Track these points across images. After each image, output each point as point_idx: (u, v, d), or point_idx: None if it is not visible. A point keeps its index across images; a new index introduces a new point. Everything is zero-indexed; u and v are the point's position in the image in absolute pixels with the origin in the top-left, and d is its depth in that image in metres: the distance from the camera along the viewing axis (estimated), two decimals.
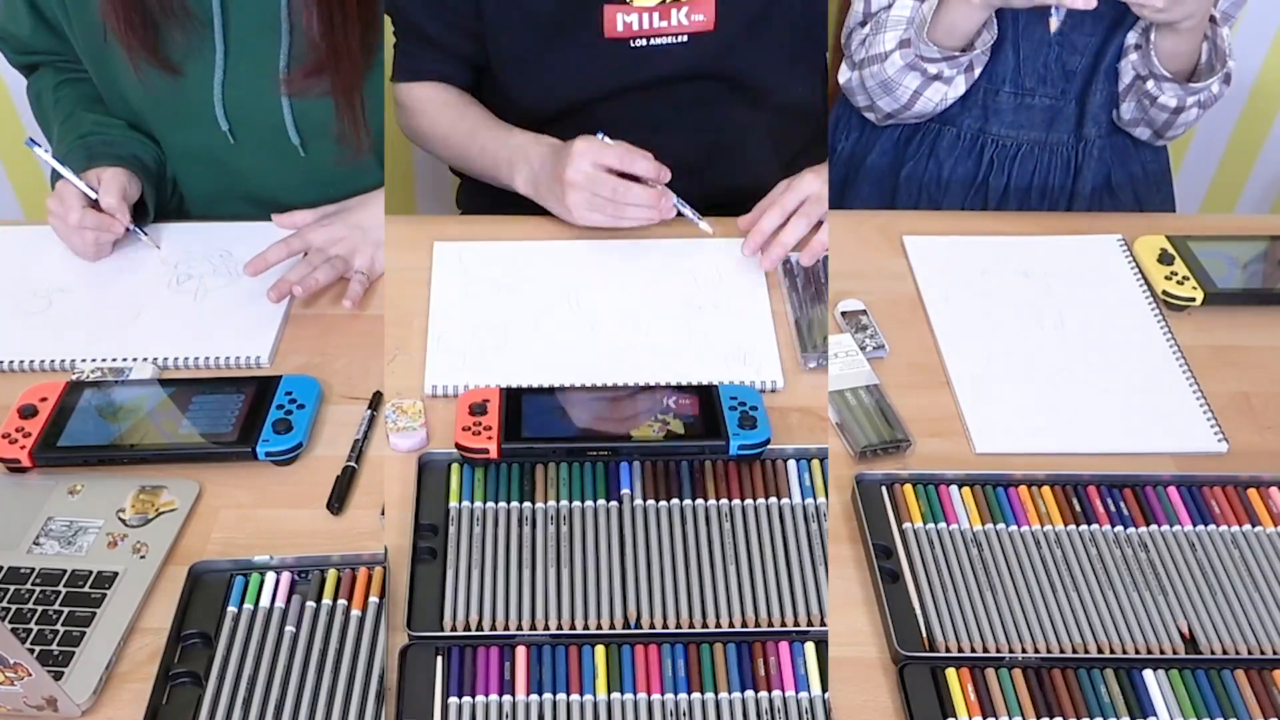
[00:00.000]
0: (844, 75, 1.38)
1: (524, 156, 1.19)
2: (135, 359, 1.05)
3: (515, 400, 0.98)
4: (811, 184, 1.14)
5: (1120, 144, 1.41)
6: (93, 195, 1.13)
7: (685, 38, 1.23)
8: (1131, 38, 1.30)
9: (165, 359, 1.05)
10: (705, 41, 1.23)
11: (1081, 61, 1.33)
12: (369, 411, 1.01)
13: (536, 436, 0.95)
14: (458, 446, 0.94)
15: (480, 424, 0.95)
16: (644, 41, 1.23)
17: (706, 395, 0.99)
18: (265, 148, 1.21)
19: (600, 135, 1.12)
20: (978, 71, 1.31)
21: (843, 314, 1.11)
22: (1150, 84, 1.29)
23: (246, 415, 0.97)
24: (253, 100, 1.18)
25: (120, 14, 1.10)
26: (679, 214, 1.15)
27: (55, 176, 1.19)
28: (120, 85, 1.20)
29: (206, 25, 1.13)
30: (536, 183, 1.18)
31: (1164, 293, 1.14)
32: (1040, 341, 1.10)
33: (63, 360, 1.05)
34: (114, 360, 1.05)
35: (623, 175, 1.12)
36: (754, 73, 1.28)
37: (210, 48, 1.14)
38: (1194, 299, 1.13)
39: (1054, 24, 1.19)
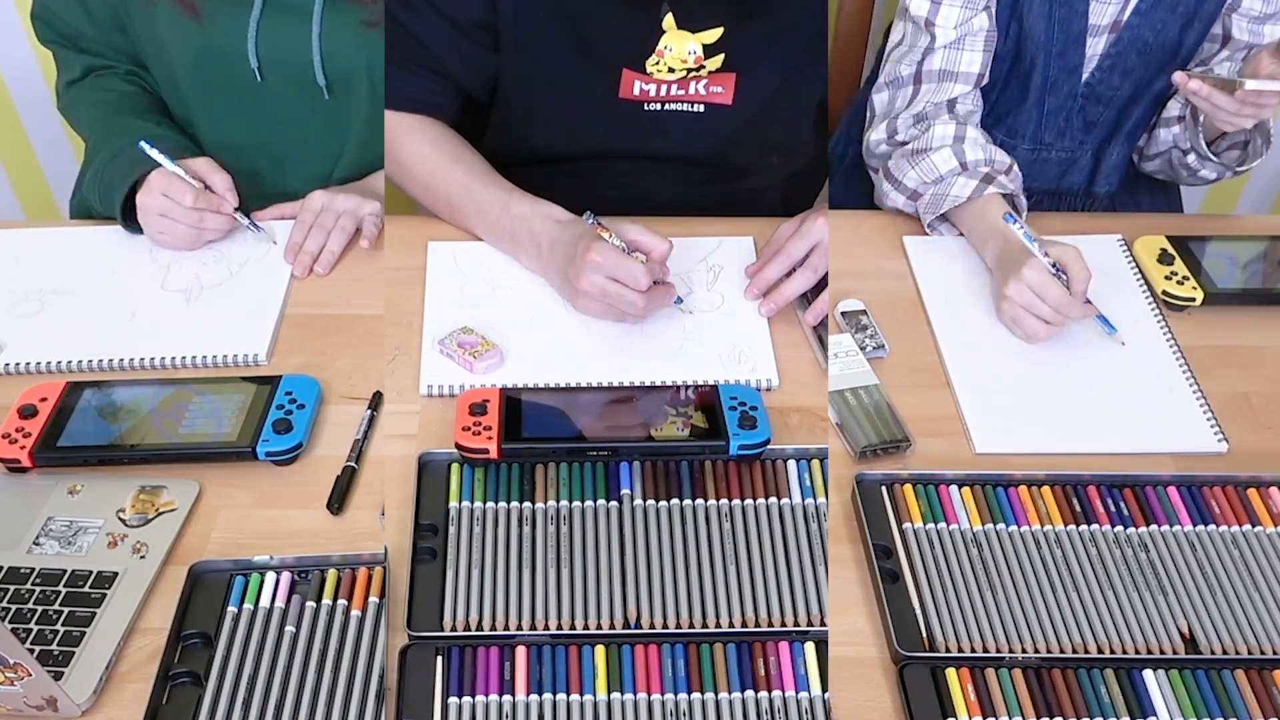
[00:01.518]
0: (876, 136, 1.30)
1: (530, 236, 1.14)
2: (132, 360, 1.05)
3: (515, 400, 0.98)
4: (821, 230, 1.11)
5: (1129, 187, 1.41)
6: (193, 183, 1.14)
7: (702, 108, 1.22)
8: (1174, 108, 1.28)
9: (162, 359, 1.05)
10: (722, 114, 1.22)
11: (1104, 114, 1.32)
12: (369, 411, 1.01)
13: (536, 436, 0.95)
14: (458, 446, 0.94)
15: (480, 424, 0.94)
16: (659, 106, 1.22)
17: (707, 395, 0.99)
18: (292, 93, 1.23)
19: (589, 217, 1.09)
20: None
21: (843, 314, 1.11)
22: (1191, 158, 1.27)
23: (246, 415, 0.97)
24: (284, 41, 1.19)
25: None
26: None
27: (79, 197, 1.19)
28: (158, 34, 1.21)
29: None
30: (545, 267, 1.14)
31: (1164, 293, 1.14)
32: (1040, 341, 1.10)
33: (58, 362, 1.04)
34: (110, 361, 1.05)
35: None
36: (766, 147, 1.28)
37: None
38: (1194, 299, 1.13)
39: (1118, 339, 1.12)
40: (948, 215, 1.22)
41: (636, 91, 1.20)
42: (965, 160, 1.20)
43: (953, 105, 1.25)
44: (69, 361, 1.04)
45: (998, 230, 1.14)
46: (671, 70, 1.18)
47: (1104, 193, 1.39)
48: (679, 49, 1.17)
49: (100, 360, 1.05)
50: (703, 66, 1.18)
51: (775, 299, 1.11)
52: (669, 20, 1.15)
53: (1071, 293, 1.07)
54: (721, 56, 1.18)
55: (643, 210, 1.28)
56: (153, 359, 1.05)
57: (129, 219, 1.16)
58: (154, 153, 1.13)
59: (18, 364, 1.04)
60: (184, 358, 1.05)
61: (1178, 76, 1.14)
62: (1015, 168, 1.22)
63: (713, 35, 1.16)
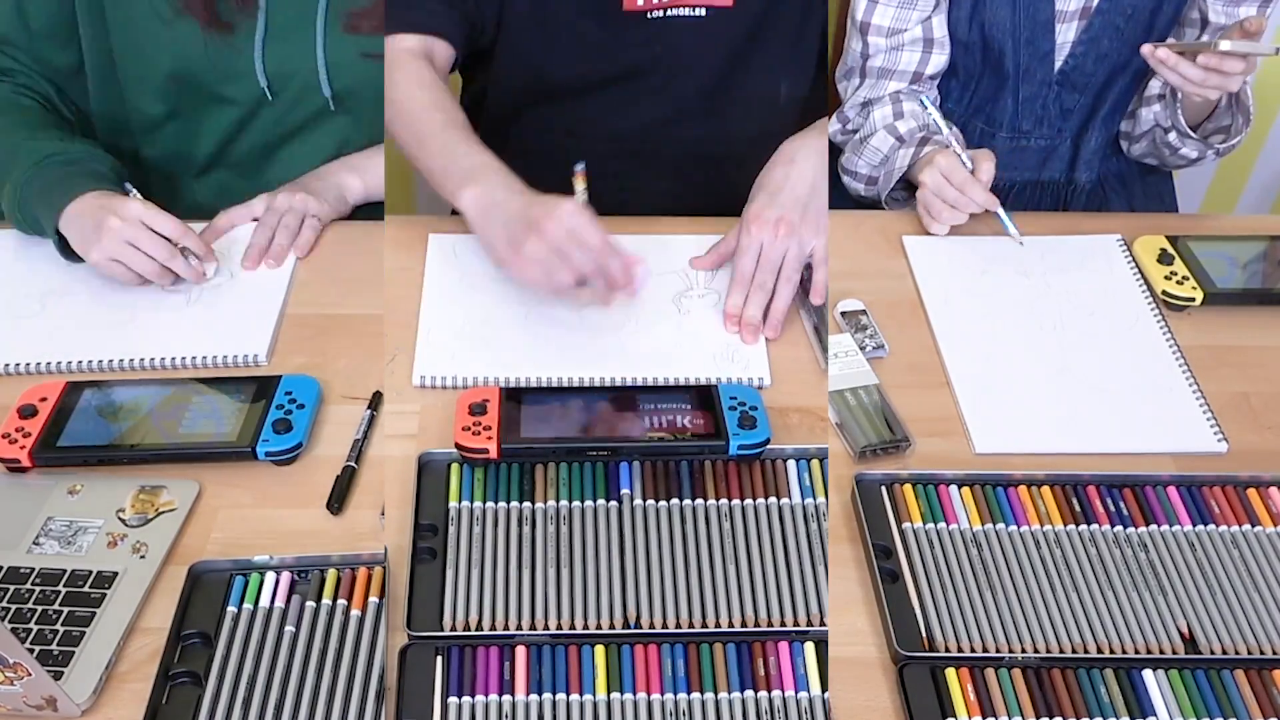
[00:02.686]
0: (833, 127, 1.38)
1: (485, 176, 1.09)
2: (132, 360, 1.05)
3: (515, 400, 0.98)
4: (758, 233, 1.08)
5: (1117, 168, 1.41)
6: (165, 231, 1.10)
7: (703, 11, 1.23)
8: (1155, 87, 1.30)
9: (162, 359, 1.05)
10: (723, 18, 1.23)
11: (1080, 100, 1.33)
12: (369, 411, 1.00)
13: (536, 436, 0.95)
14: (457, 446, 0.94)
15: (480, 424, 0.94)
16: (661, 12, 1.22)
17: (706, 395, 0.99)
18: (297, 108, 1.23)
19: (580, 167, 1.08)
20: None
21: (843, 314, 1.11)
22: (1172, 136, 1.28)
23: (246, 415, 0.97)
24: (290, 57, 1.19)
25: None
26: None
27: (21, 208, 1.14)
28: (151, 58, 1.21)
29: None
30: (487, 210, 1.08)
31: (1164, 293, 1.14)
32: (1040, 341, 1.10)
33: (58, 363, 1.04)
34: (110, 362, 1.04)
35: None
36: (765, 56, 1.28)
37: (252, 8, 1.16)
38: (1194, 299, 1.13)
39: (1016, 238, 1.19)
40: (902, 190, 1.28)
41: (639, 2, 1.21)
42: (900, 134, 1.29)
43: (896, 95, 1.33)
44: (69, 362, 1.04)
45: (932, 162, 1.21)
46: None
47: (1085, 180, 1.39)
48: None
49: (100, 360, 1.04)
50: None
51: (747, 331, 1.08)
52: None
53: (976, 177, 1.16)
54: None
55: (647, 172, 1.28)
56: (153, 359, 1.05)
57: (62, 239, 1.12)
58: (134, 193, 1.12)
59: (18, 364, 1.04)
60: (184, 358, 1.05)
61: (1145, 48, 1.15)
62: (956, 129, 1.28)
63: None
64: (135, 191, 1.14)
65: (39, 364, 1.04)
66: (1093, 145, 1.37)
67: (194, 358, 1.05)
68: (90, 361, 1.04)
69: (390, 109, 1.20)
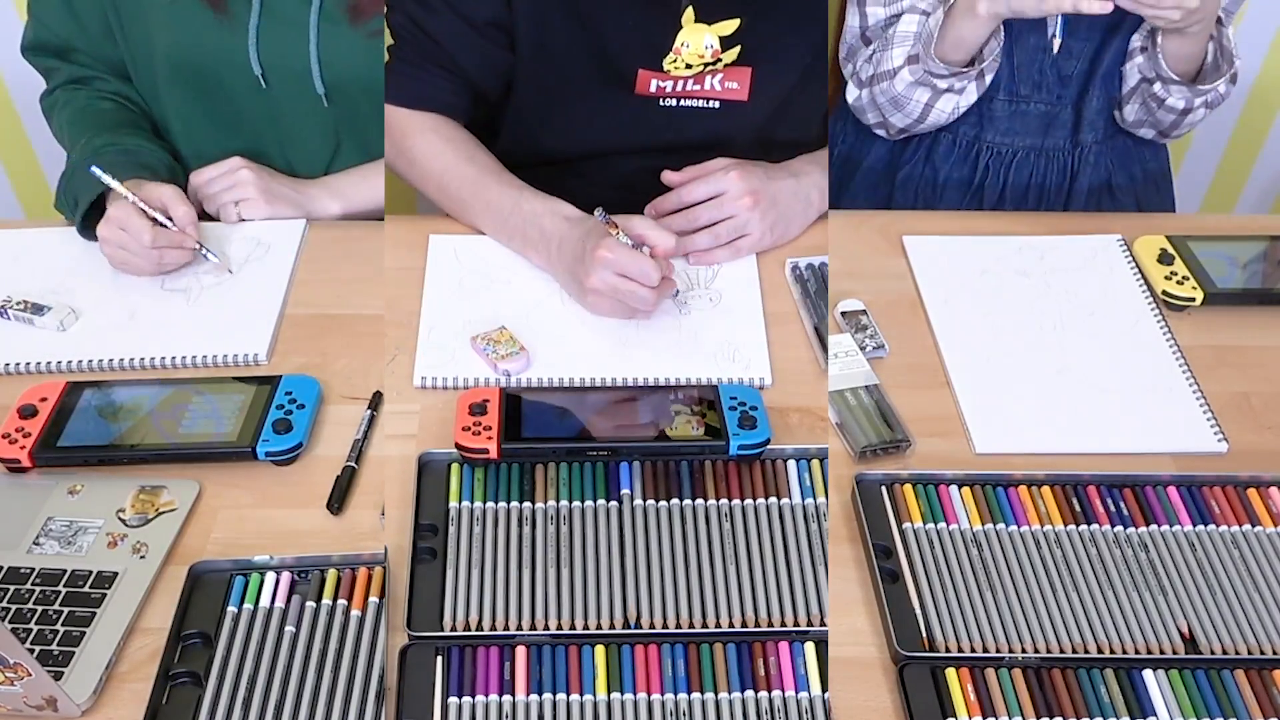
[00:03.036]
0: (852, 94, 1.37)
1: (541, 234, 1.13)
2: (132, 360, 1.05)
3: (515, 400, 0.98)
4: (723, 182, 1.14)
5: (1119, 146, 1.41)
6: (151, 212, 1.11)
7: (717, 104, 1.22)
8: (1136, 40, 1.30)
9: (162, 359, 1.05)
10: (737, 111, 1.22)
11: (1077, 66, 1.33)
12: (369, 411, 1.00)
13: (536, 436, 0.95)
14: (458, 446, 0.94)
15: (480, 424, 0.94)
16: (674, 102, 1.22)
17: (706, 395, 0.99)
18: (290, 100, 1.23)
19: (599, 214, 1.07)
20: (989, 78, 1.30)
21: (843, 314, 1.11)
22: (1157, 86, 1.28)
23: (246, 415, 0.97)
24: (282, 49, 1.19)
25: None
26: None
27: (68, 194, 1.18)
28: (154, 42, 1.21)
29: None
30: (554, 265, 1.13)
31: (1164, 293, 1.14)
32: (1040, 341, 1.10)
33: (58, 363, 1.04)
34: (110, 362, 1.04)
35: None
36: (781, 142, 1.27)
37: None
38: (1194, 299, 1.13)
39: (1056, 43, 1.19)
40: (946, 50, 1.25)
41: (653, 89, 1.20)
42: (923, 9, 1.29)
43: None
44: (69, 362, 1.04)
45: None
46: (689, 66, 1.18)
47: (1090, 139, 1.39)
48: (696, 44, 1.17)
49: (100, 360, 1.05)
50: (719, 60, 1.18)
51: (663, 248, 1.07)
52: (688, 14, 1.15)
53: None
54: (738, 49, 1.18)
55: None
56: (153, 359, 1.05)
57: (90, 233, 1.15)
58: (107, 179, 1.11)
59: (18, 364, 1.04)
60: (184, 358, 1.05)
61: None
62: None
63: (730, 26, 1.17)
64: (123, 191, 1.11)
65: (39, 364, 1.05)
66: (1094, 106, 1.36)
67: (194, 357, 1.05)
68: (90, 361, 1.05)
69: (418, 174, 1.22)
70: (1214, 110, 1.32)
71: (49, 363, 1.05)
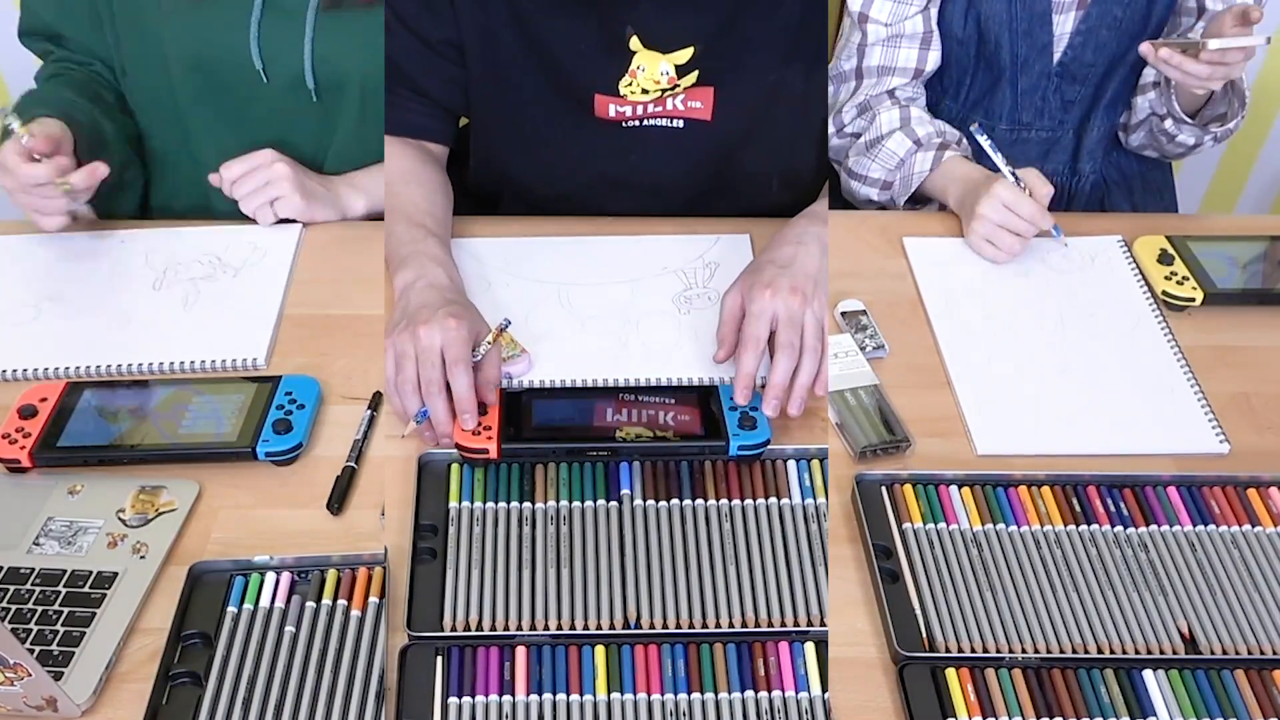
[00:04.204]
0: (830, 128, 1.36)
1: (420, 266, 1.04)
2: (130, 365, 1.04)
3: (515, 400, 0.98)
4: (770, 302, 0.97)
5: (1119, 165, 1.41)
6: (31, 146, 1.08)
7: (681, 123, 1.18)
8: (1149, 75, 1.29)
9: (160, 364, 1.05)
10: (701, 130, 1.18)
11: (1081, 91, 1.33)
12: (369, 411, 1.00)
13: (536, 437, 0.95)
14: (458, 446, 0.94)
15: (480, 424, 0.94)
16: (637, 123, 1.18)
17: (706, 395, 0.99)
18: (284, 95, 1.22)
19: (505, 322, 1.01)
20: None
21: (843, 314, 1.11)
22: (1168, 123, 1.28)
23: (246, 415, 0.97)
24: (280, 42, 1.18)
25: None
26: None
27: None
28: (161, 40, 1.20)
29: None
30: (403, 292, 1.03)
31: (1164, 293, 1.14)
32: (1040, 342, 1.10)
33: (55, 369, 1.04)
34: (108, 367, 1.04)
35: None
36: (755, 156, 1.23)
37: None
38: (1194, 299, 1.13)
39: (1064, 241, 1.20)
40: (916, 191, 1.28)
41: (612, 114, 1.17)
42: (918, 138, 1.28)
43: (893, 93, 1.32)
44: (66, 368, 1.04)
45: (955, 176, 1.23)
46: (645, 91, 1.14)
47: (1089, 170, 1.39)
48: (651, 69, 1.13)
49: (98, 366, 1.04)
50: (677, 85, 1.14)
51: (771, 399, 0.96)
52: (635, 42, 1.11)
53: (1038, 202, 1.15)
54: (695, 74, 1.14)
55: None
56: (150, 364, 1.04)
57: None
58: (10, 119, 1.08)
59: (15, 370, 1.04)
60: (182, 362, 1.05)
61: (1144, 48, 1.15)
62: (964, 141, 1.29)
63: (684, 55, 1.12)
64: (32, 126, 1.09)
65: (35, 370, 1.04)
66: (1095, 136, 1.37)
67: (192, 362, 1.05)
68: (87, 367, 1.04)
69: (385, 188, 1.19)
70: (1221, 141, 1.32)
71: (45, 369, 1.04)
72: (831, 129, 1.36)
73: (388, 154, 1.18)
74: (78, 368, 1.04)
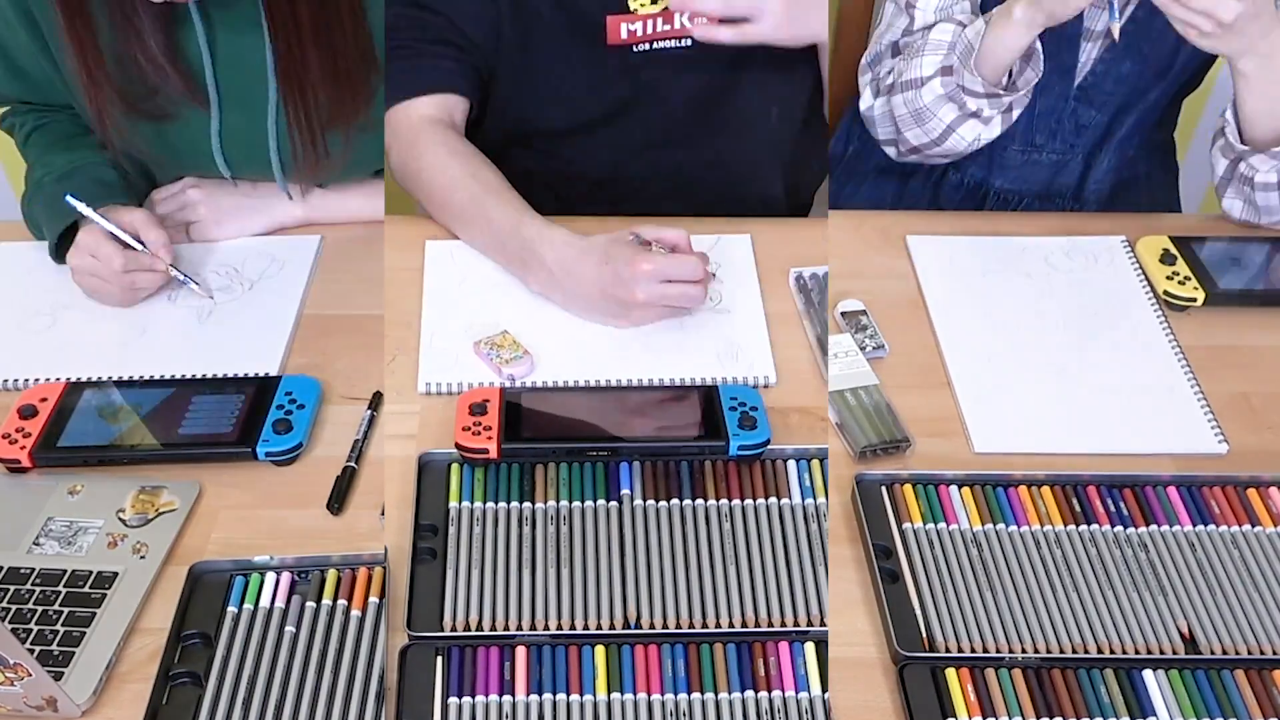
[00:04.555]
0: (865, 102, 1.30)
1: (539, 261, 1.09)
2: (142, 378, 1.03)
3: (515, 400, 0.98)
4: None
5: (1123, 182, 1.40)
6: (124, 237, 1.08)
7: (689, 41, 1.21)
8: (1219, 122, 1.23)
9: (172, 377, 1.03)
10: (708, 48, 1.18)
11: (1096, 117, 1.31)
12: (369, 411, 1.01)
13: (536, 436, 0.95)
14: (458, 446, 0.94)
15: (480, 424, 0.94)
16: (647, 46, 1.21)
17: (706, 395, 0.99)
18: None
19: (631, 236, 1.07)
20: (1015, 114, 1.22)
21: (843, 314, 1.11)
22: (1243, 165, 1.20)
23: (246, 415, 0.97)
24: (245, 147, 1.17)
25: (105, 101, 1.10)
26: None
27: (35, 223, 1.16)
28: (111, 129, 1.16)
29: (199, 85, 1.11)
30: (554, 290, 1.10)
31: (1165, 293, 1.14)
32: (1041, 342, 1.10)
33: (69, 379, 1.02)
34: (120, 380, 1.03)
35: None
36: (755, 76, 1.26)
37: (201, 101, 1.13)
38: (1195, 299, 1.13)
39: (1115, 29, 1.11)
40: (982, 62, 1.17)
41: (624, 34, 1.19)
42: (960, 19, 1.22)
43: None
44: (80, 379, 1.02)
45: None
46: (654, 1, 1.16)
47: (1093, 197, 1.38)
48: None
49: (111, 378, 1.03)
50: None
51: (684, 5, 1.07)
52: None
53: None
54: None
55: (640, 199, 1.28)
56: (163, 377, 1.03)
57: (61, 259, 1.13)
58: (82, 207, 1.07)
59: (28, 380, 1.03)
60: (194, 376, 1.04)
61: None
62: None
63: None
64: (101, 221, 1.08)
65: (48, 380, 1.02)
66: (1104, 166, 1.35)
67: (205, 376, 1.04)
68: (101, 379, 1.03)
69: (420, 186, 1.19)
70: None
71: (59, 379, 1.02)
72: (868, 100, 1.29)
73: (424, 136, 1.16)
74: (92, 379, 1.03)
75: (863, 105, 1.30)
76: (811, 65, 1.30)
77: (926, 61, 1.20)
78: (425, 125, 1.18)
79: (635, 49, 1.21)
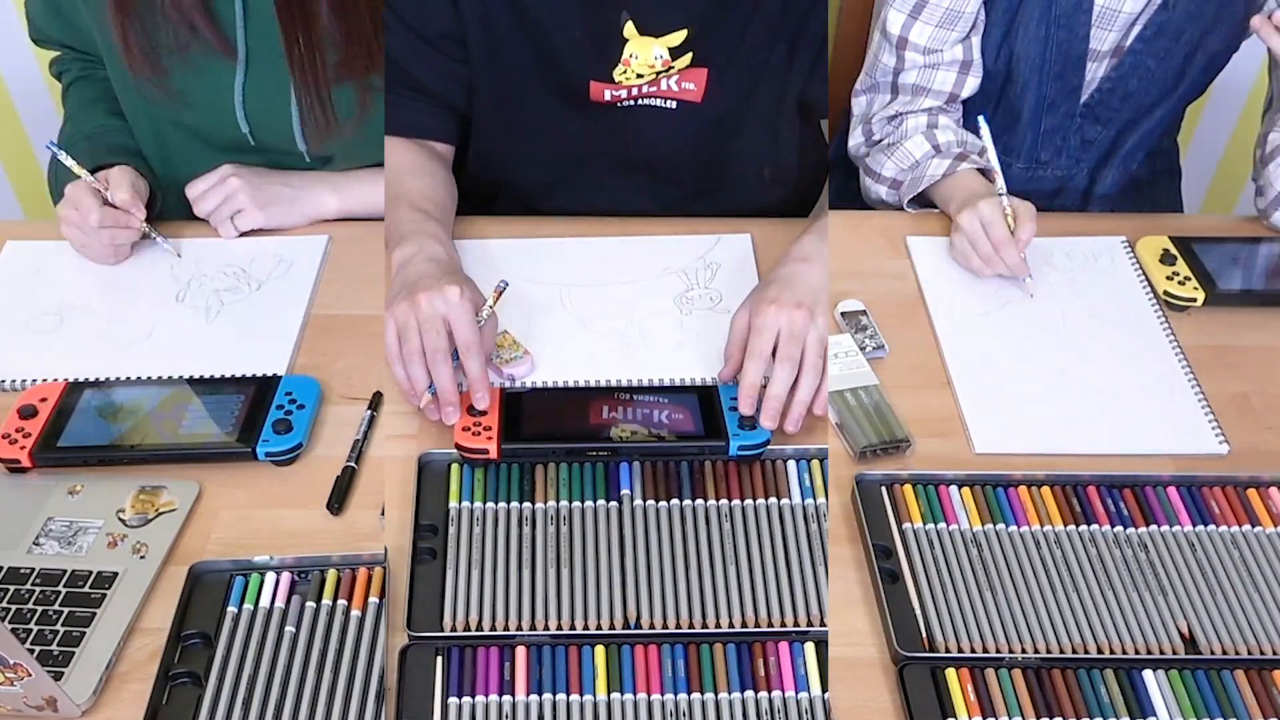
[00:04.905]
0: (855, 141, 1.34)
1: (419, 242, 1.04)
2: (149, 379, 1.03)
3: (515, 400, 0.98)
4: (775, 318, 0.96)
5: (1127, 190, 1.40)
6: (105, 193, 1.12)
7: (674, 104, 1.19)
8: (1274, 140, 1.23)
9: (172, 377, 1.03)
10: (693, 111, 1.19)
11: (1103, 134, 1.31)
12: (369, 411, 1.00)
13: (536, 436, 0.95)
14: (458, 446, 0.94)
15: (480, 424, 0.94)
16: (631, 103, 1.19)
17: (706, 395, 0.99)
18: (280, 154, 1.22)
19: (503, 284, 1.01)
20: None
21: (843, 314, 1.11)
22: None
23: (246, 415, 0.97)
24: (266, 107, 1.18)
25: (132, 43, 1.12)
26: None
27: (57, 181, 1.19)
28: (134, 90, 1.19)
29: (226, 37, 1.13)
30: (402, 266, 1.03)
31: (1165, 293, 1.14)
32: (1041, 342, 1.10)
33: (67, 379, 1.02)
34: (127, 380, 1.03)
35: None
36: (747, 143, 1.24)
37: (228, 52, 1.14)
38: (1195, 299, 1.13)
39: (1029, 288, 1.14)
40: (926, 195, 1.25)
41: (607, 97, 1.18)
42: (938, 143, 1.25)
43: (928, 110, 1.28)
44: (86, 379, 1.02)
45: (962, 186, 1.19)
46: (640, 75, 1.15)
47: (1098, 206, 1.39)
48: (645, 55, 1.14)
49: (112, 378, 1.03)
50: (671, 67, 1.15)
51: (770, 408, 0.95)
52: (630, 28, 1.12)
53: (1015, 238, 1.12)
54: (689, 55, 1.15)
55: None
56: (164, 377, 1.03)
57: None
58: (63, 156, 1.10)
59: (35, 380, 1.03)
60: (198, 376, 1.03)
61: (1255, 20, 1.12)
62: (991, 150, 1.21)
63: (677, 38, 1.13)
64: (85, 175, 1.11)
65: (56, 380, 1.02)
66: (1109, 181, 1.35)
67: (210, 376, 1.04)
68: (105, 379, 1.03)
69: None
70: None
71: (66, 379, 1.02)
72: (857, 139, 1.33)
73: (389, 150, 1.18)
74: (96, 379, 1.03)
75: (851, 143, 1.35)
76: (795, 129, 1.26)
77: (888, 164, 1.29)
78: (398, 142, 1.19)
79: (619, 105, 1.19)
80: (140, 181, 1.16)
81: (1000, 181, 1.14)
